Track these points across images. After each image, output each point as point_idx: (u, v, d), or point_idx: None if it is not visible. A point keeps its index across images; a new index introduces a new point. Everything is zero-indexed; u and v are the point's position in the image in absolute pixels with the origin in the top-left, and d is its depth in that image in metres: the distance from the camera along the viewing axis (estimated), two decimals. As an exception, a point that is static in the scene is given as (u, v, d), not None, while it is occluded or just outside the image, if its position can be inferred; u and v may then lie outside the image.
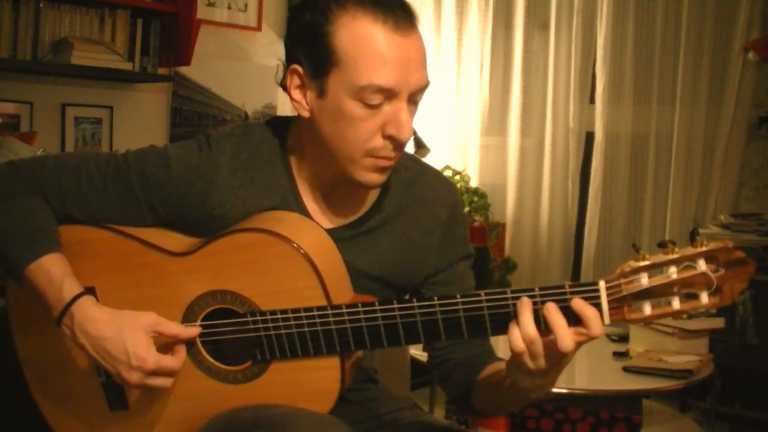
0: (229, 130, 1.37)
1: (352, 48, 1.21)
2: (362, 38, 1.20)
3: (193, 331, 1.27)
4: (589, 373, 2.88)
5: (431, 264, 1.41)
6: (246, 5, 3.87)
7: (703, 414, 3.29)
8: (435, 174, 1.46)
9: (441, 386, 1.48)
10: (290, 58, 1.28)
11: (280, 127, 1.37)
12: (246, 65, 3.87)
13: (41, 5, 3.08)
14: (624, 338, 2.99)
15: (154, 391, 1.28)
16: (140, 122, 3.57)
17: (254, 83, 3.86)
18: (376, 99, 1.22)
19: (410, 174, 1.41)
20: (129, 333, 1.23)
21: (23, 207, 1.31)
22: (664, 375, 2.57)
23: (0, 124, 3.06)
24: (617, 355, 2.81)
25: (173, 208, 1.33)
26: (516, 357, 1.14)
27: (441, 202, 1.41)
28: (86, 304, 1.25)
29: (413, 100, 1.26)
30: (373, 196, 1.38)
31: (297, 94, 1.28)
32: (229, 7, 3.81)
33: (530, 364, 1.13)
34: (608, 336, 3.06)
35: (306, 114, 1.28)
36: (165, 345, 1.27)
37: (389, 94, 1.22)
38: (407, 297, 1.34)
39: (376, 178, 1.29)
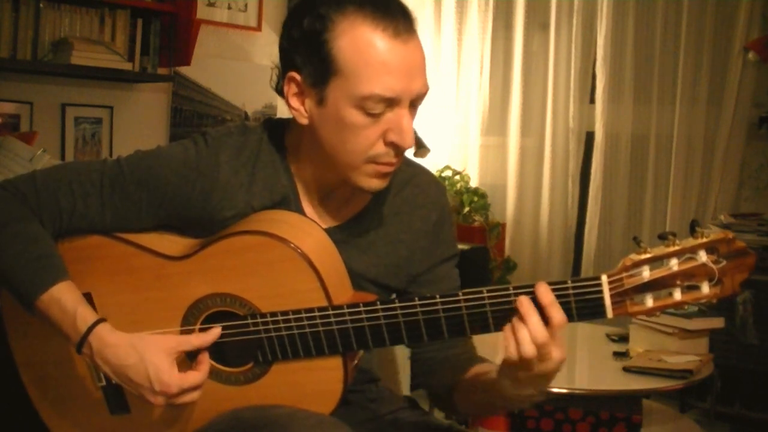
0: (226, 129, 1.35)
1: (353, 57, 1.19)
2: (363, 47, 1.19)
3: (215, 332, 1.25)
4: (589, 373, 2.88)
5: (417, 265, 1.40)
6: (246, 5, 3.87)
7: (703, 414, 3.28)
8: (427, 175, 1.45)
9: (421, 382, 1.46)
10: (287, 64, 1.26)
11: (277, 128, 1.36)
12: (246, 65, 3.87)
13: (41, 5, 3.08)
14: (624, 338, 2.98)
15: (181, 407, 1.26)
16: (140, 122, 3.56)
17: (254, 83, 3.85)
18: (378, 108, 1.21)
19: (404, 176, 1.40)
20: (150, 358, 1.21)
21: (24, 234, 1.26)
22: (664, 375, 2.56)
23: (0, 124, 3.05)
24: (617, 355, 2.80)
25: (173, 208, 1.31)
26: (523, 363, 1.12)
27: (432, 205, 1.41)
28: (102, 332, 1.22)
29: (413, 105, 1.25)
30: (368, 196, 1.37)
31: (295, 102, 1.26)
32: (229, 7, 3.80)
33: (539, 367, 1.12)
34: (608, 336, 3.06)
35: (305, 121, 1.27)
36: (186, 359, 1.25)
37: (391, 102, 1.21)
38: (393, 296, 1.33)
39: (377, 183, 1.28)
